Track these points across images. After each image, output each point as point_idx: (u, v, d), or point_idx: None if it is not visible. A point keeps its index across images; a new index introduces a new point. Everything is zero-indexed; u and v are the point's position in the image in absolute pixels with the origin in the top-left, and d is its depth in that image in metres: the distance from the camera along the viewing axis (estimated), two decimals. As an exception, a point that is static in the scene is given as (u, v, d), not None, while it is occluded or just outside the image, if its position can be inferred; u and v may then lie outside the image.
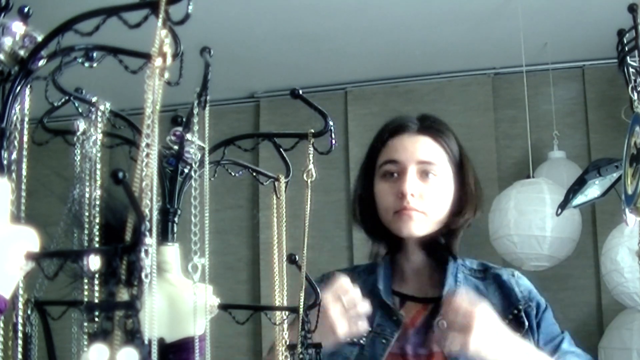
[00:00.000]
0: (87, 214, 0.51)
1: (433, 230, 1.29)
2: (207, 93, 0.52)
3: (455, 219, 1.32)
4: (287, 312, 0.60)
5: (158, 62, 0.41)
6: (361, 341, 1.23)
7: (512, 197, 2.54)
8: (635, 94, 0.65)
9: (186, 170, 0.54)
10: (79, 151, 0.53)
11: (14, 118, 0.43)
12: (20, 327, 0.43)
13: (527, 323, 1.27)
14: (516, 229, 2.48)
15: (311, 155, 0.65)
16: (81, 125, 0.53)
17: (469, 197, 1.34)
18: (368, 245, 1.39)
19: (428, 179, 1.29)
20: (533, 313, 1.30)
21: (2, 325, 0.40)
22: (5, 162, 0.41)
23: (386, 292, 1.31)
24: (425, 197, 1.27)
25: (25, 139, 0.44)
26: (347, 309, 1.09)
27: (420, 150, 1.30)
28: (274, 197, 0.63)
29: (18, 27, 0.43)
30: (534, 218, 2.45)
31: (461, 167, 1.35)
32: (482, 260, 1.40)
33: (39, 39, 0.44)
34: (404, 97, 3.30)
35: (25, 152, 0.44)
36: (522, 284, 1.35)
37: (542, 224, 2.44)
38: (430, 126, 1.34)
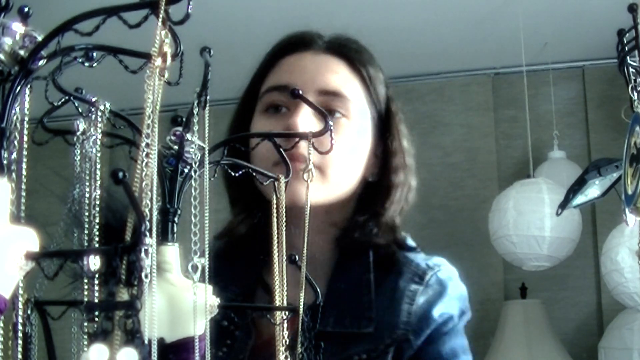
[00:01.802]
0: (87, 214, 0.51)
1: (331, 201, 0.88)
2: (207, 93, 0.52)
3: (377, 202, 0.91)
4: (287, 312, 0.60)
5: (158, 62, 0.41)
6: (220, 353, 0.88)
7: (511, 197, 2.54)
8: (635, 94, 0.65)
9: (186, 170, 0.54)
10: (79, 151, 0.53)
11: (14, 118, 0.43)
12: (20, 327, 0.43)
13: None
14: (515, 229, 2.49)
15: (311, 155, 0.65)
16: (81, 125, 0.53)
17: (396, 172, 0.92)
18: None
19: (332, 119, 0.83)
20: (407, 354, 0.87)
21: (2, 325, 0.40)
22: (5, 162, 0.41)
23: (247, 285, 0.89)
24: (324, 144, 0.75)
25: (25, 139, 0.44)
26: None
27: (324, 75, 0.88)
28: (274, 197, 0.63)
29: (18, 27, 0.43)
30: (532, 218, 2.46)
31: (387, 118, 0.94)
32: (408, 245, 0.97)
33: (39, 39, 0.44)
34: (404, 97, 3.30)
35: (25, 152, 0.44)
36: (420, 301, 0.88)
37: (541, 224, 2.45)
38: (345, 45, 0.92)
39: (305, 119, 0.84)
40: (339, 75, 0.89)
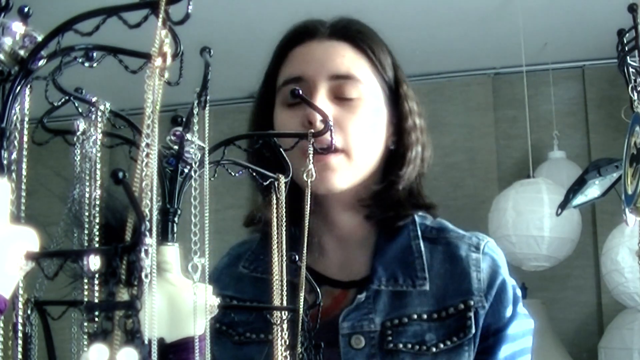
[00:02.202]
0: (87, 214, 0.51)
1: (360, 180, 0.93)
2: (207, 93, 0.52)
3: (395, 168, 0.94)
4: (287, 312, 0.60)
5: (158, 62, 0.41)
6: (270, 337, 0.96)
7: (511, 198, 2.55)
8: (635, 94, 0.65)
9: (186, 170, 0.54)
10: (79, 151, 0.53)
11: (14, 118, 0.43)
12: (20, 327, 0.43)
13: (473, 329, 0.91)
14: (514, 229, 2.49)
15: (311, 155, 0.65)
16: (81, 125, 0.53)
17: (409, 133, 0.96)
18: None
19: (347, 101, 0.91)
20: (482, 319, 0.92)
21: (2, 325, 0.40)
22: (5, 162, 0.41)
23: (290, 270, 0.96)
24: (345, 127, 0.89)
25: (25, 139, 0.44)
26: None
27: (333, 60, 0.92)
28: (274, 197, 0.63)
29: (18, 27, 0.43)
30: (531, 218, 2.46)
31: (397, 92, 0.98)
32: (444, 221, 1.04)
33: (39, 39, 0.44)
34: (404, 97, 3.29)
35: (25, 152, 0.44)
36: (484, 267, 0.95)
37: (540, 224, 2.45)
38: (347, 28, 0.96)
39: (323, 105, 0.88)
40: (346, 58, 0.93)
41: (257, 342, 0.93)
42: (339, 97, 0.91)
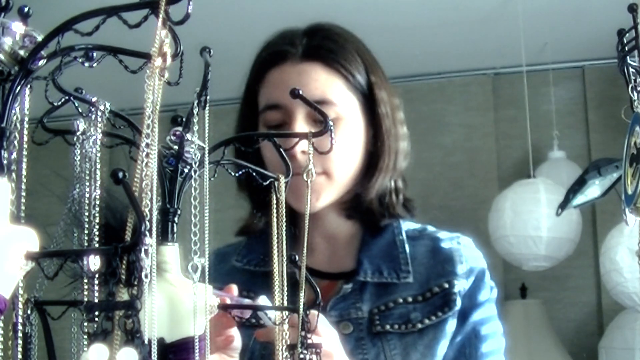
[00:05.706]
0: (87, 214, 0.51)
1: (343, 191, 0.98)
2: (207, 93, 0.52)
3: (371, 176, 0.97)
4: (287, 312, 0.60)
5: (158, 62, 0.41)
6: (261, 322, 0.91)
7: (509, 198, 2.55)
8: (635, 94, 0.65)
9: (186, 170, 0.54)
10: (79, 151, 0.53)
11: (14, 118, 0.43)
12: (20, 327, 0.43)
13: (458, 304, 0.96)
14: (512, 230, 2.49)
15: (311, 155, 0.65)
16: (81, 125, 0.53)
17: (382, 142, 0.98)
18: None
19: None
20: (464, 301, 0.97)
21: (2, 325, 0.40)
22: (5, 162, 0.41)
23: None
24: (324, 146, 0.88)
25: (25, 139, 0.44)
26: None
27: (307, 86, 0.92)
28: (274, 197, 0.63)
29: (18, 27, 0.44)
30: (529, 218, 2.46)
31: (371, 98, 0.98)
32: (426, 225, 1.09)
33: (39, 39, 0.44)
34: (404, 97, 3.28)
35: (25, 152, 0.44)
36: (466, 255, 1.01)
37: (538, 224, 2.45)
38: (318, 46, 0.96)
39: (301, 131, 0.88)
40: (320, 82, 0.94)
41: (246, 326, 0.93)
42: (317, 121, 0.92)
